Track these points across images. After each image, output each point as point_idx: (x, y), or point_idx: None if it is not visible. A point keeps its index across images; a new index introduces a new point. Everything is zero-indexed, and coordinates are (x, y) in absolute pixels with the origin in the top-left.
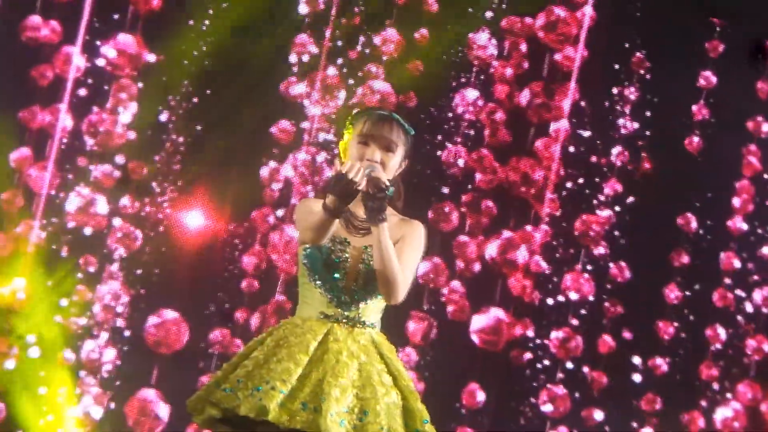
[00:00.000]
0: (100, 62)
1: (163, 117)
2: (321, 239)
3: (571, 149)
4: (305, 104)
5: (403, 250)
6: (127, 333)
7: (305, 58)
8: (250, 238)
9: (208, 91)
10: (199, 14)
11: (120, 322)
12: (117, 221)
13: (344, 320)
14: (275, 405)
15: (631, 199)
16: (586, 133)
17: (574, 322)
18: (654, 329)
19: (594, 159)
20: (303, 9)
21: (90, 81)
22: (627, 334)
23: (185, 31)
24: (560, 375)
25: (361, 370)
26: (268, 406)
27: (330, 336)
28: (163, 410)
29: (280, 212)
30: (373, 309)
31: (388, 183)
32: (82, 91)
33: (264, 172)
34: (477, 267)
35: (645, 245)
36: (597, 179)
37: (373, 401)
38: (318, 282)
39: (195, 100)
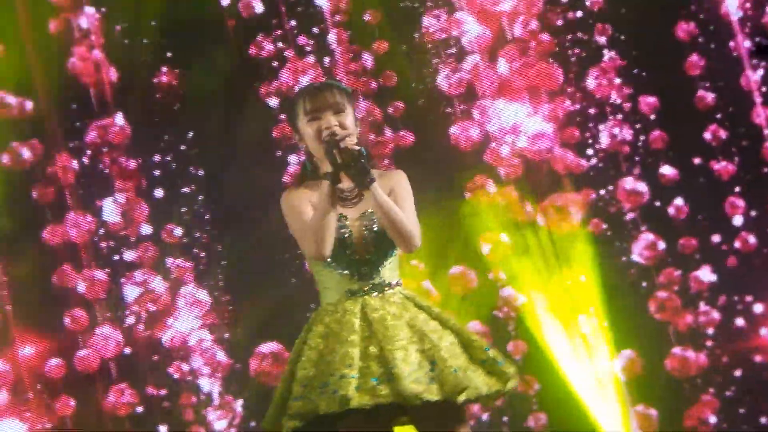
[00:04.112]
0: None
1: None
2: (328, 245)
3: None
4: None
5: (398, 201)
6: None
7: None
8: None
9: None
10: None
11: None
12: (181, 289)
13: (372, 290)
14: (353, 391)
15: (624, 38)
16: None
17: (635, 170)
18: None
19: (572, 15)
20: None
21: (85, 178)
22: (677, 168)
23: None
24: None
25: (411, 325)
26: (348, 394)
27: (367, 309)
28: None
29: None
30: (390, 268)
31: (358, 146)
32: (87, 190)
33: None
34: (519, 171)
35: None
36: (583, 32)
37: (434, 349)
38: (333, 264)
39: (183, 147)
